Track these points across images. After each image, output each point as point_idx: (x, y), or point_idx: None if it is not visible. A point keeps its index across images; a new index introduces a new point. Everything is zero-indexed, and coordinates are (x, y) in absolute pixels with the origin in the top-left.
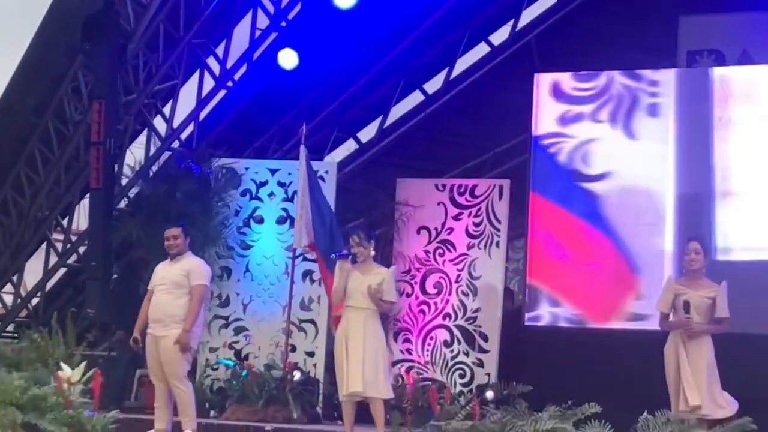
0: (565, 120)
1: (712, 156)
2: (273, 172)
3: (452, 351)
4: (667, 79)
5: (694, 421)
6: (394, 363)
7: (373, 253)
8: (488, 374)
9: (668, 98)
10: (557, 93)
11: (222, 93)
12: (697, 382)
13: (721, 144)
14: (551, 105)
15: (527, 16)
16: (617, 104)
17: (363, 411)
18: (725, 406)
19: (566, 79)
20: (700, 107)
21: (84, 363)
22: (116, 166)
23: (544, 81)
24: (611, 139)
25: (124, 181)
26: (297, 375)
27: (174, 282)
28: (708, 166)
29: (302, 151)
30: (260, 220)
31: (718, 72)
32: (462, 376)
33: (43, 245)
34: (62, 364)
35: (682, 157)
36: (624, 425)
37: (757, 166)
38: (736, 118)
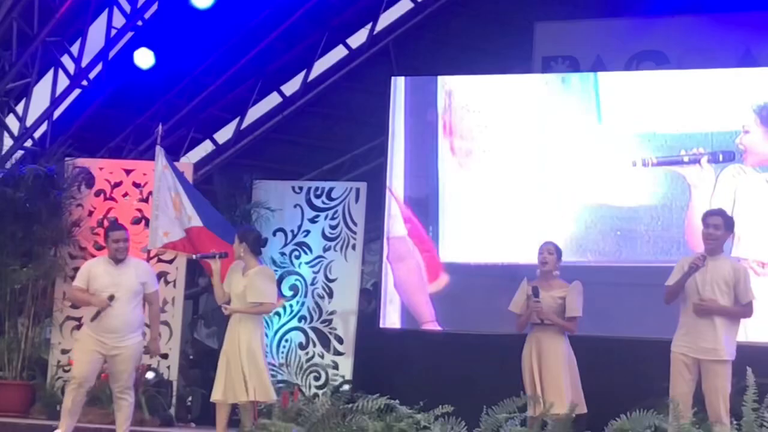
0: None
1: (437, 162)
2: (128, 172)
3: (307, 353)
4: (397, 85)
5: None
6: None
7: (242, 251)
8: (343, 376)
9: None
10: None
11: (77, 92)
12: (555, 384)
13: (446, 151)
14: None
15: (385, 19)
16: None
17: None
18: (582, 403)
19: None
20: (426, 114)
21: None
22: None
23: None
24: None
25: None
26: (150, 377)
27: (133, 291)
28: (434, 172)
29: (158, 151)
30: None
31: (442, 81)
32: (317, 378)
33: None
34: None
35: (410, 163)
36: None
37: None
38: (459, 125)
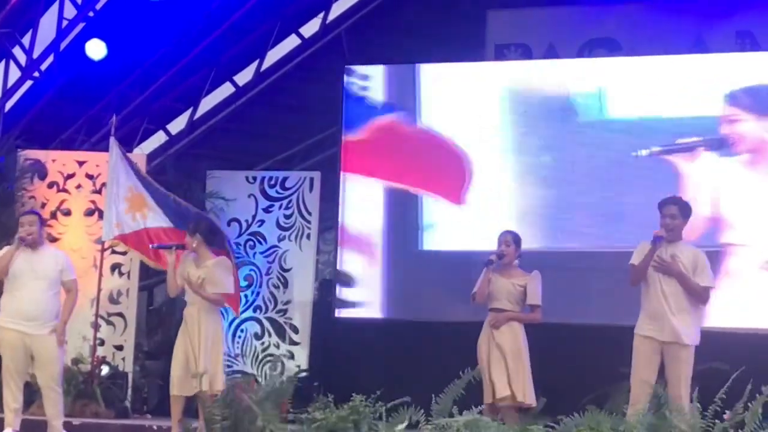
0: None
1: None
2: (81, 164)
3: (263, 343)
4: (374, 73)
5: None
6: None
7: (195, 244)
8: (299, 366)
9: (377, 92)
10: None
11: (28, 84)
12: (515, 370)
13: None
14: None
15: (337, 8)
16: None
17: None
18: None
19: None
20: (407, 101)
21: None
22: None
23: None
24: None
25: None
26: (105, 369)
27: (51, 277)
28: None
29: (112, 142)
30: (67, 213)
31: (423, 68)
32: (273, 369)
33: None
34: None
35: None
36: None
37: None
38: (437, 111)
